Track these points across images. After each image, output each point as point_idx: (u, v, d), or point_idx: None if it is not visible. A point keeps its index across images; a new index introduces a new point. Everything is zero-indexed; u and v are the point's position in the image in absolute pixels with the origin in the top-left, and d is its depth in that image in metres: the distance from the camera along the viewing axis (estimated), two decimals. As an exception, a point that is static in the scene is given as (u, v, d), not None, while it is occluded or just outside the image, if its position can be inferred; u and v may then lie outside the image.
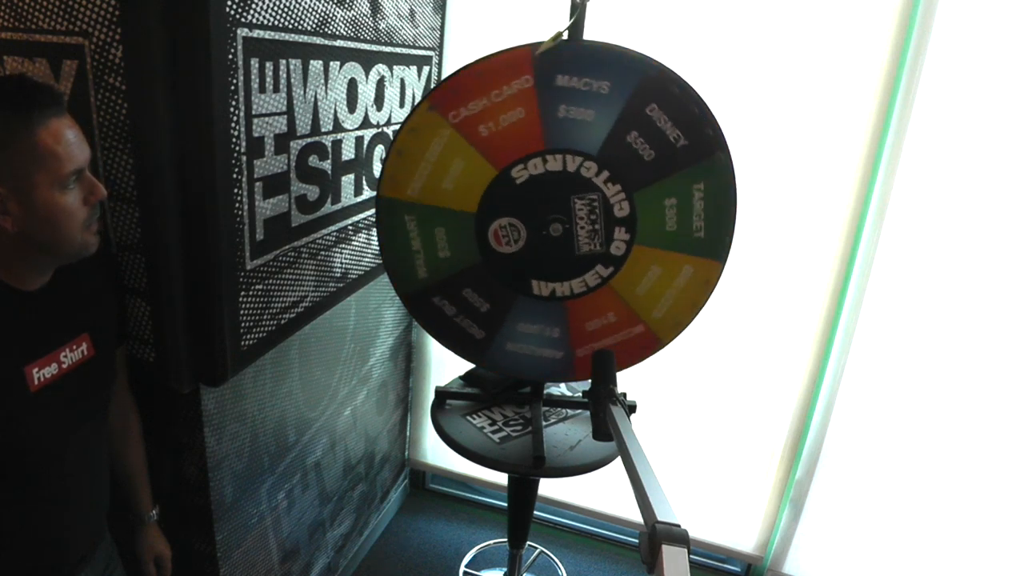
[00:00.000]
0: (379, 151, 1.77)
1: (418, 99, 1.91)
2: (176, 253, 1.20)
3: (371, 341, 2.11)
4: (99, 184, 0.97)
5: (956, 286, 1.87)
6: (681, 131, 1.37)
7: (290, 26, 1.29)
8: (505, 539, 2.14)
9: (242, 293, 1.32)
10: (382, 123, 1.75)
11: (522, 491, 1.89)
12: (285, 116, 1.33)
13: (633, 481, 0.96)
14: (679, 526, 0.80)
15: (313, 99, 1.42)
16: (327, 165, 1.53)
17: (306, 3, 1.32)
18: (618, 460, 1.22)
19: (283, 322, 1.50)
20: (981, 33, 1.67)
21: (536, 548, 2.45)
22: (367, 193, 1.75)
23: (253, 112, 1.23)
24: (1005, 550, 2.05)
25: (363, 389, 2.13)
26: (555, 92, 1.36)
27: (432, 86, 1.39)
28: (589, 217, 1.44)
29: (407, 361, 2.47)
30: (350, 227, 1.71)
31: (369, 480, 2.35)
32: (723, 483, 2.31)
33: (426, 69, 1.96)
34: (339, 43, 1.47)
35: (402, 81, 1.82)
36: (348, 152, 1.62)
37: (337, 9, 1.43)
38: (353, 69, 1.55)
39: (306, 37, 1.35)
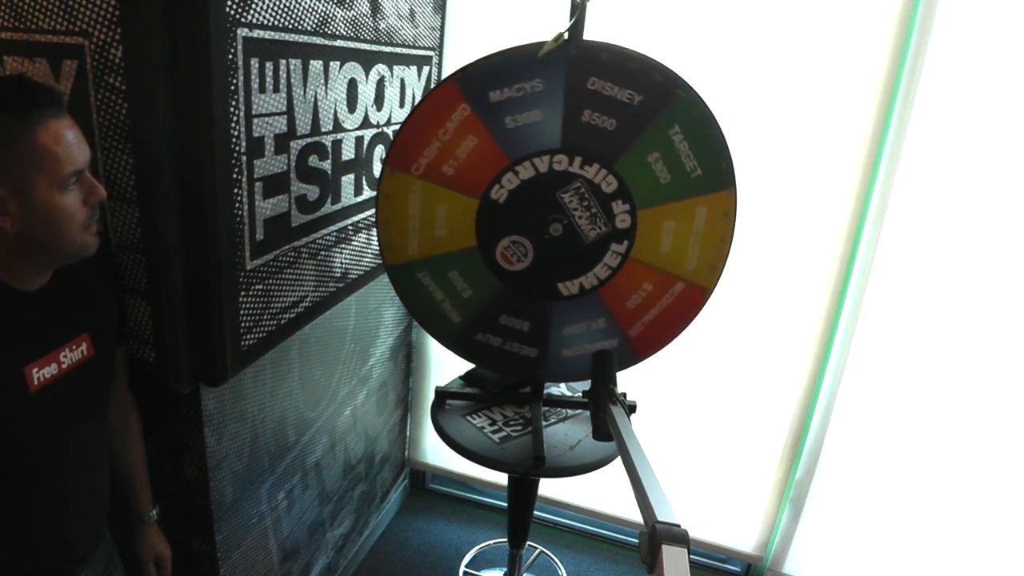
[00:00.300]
0: (379, 151, 1.77)
1: (418, 99, 1.92)
2: (176, 253, 1.20)
3: (371, 341, 2.11)
4: (99, 185, 0.97)
5: (956, 286, 1.87)
6: (631, 89, 1.36)
7: (290, 26, 1.29)
8: (505, 539, 2.14)
9: (242, 293, 1.32)
10: (382, 123, 1.75)
11: (522, 491, 1.89)
12: (285, 116, 1.33)
13: (633, 481, 0.96)
14: (679, 526, 0.81)
15: (313, 99, 1.42)
16: (327, 165, 1.53)
17: (306, 3, 1.32)
18: (618, 460, 1.22)
19: (283, 322, 1.50)
20: (981, 33, 1.67)
21: (536, 548, 2.45)
22: (367, 193, 1.75)
23: (253, 112, 1.23)
24: (1005, 550, 2.05)
25: (363, 389, 2.13)
26: (494, 108, 1.38)
27: (388, 149, 1.42)
28: (582, 204, 1.44)
29: (407, 361, 2.47)
30: (350, 227, 1.71)
31: (369, 480, 2.35)
32: (723, 483, 2.31)
33: (426, 69, 1.96)
34: (339, 43, 1.47)
35: (402, 81, 1.82)
36: (348, 152, 1.62)
37: (337, 9, 1.43)
38: (353, 69, 1.55)
39: (306, 37, 1.35)
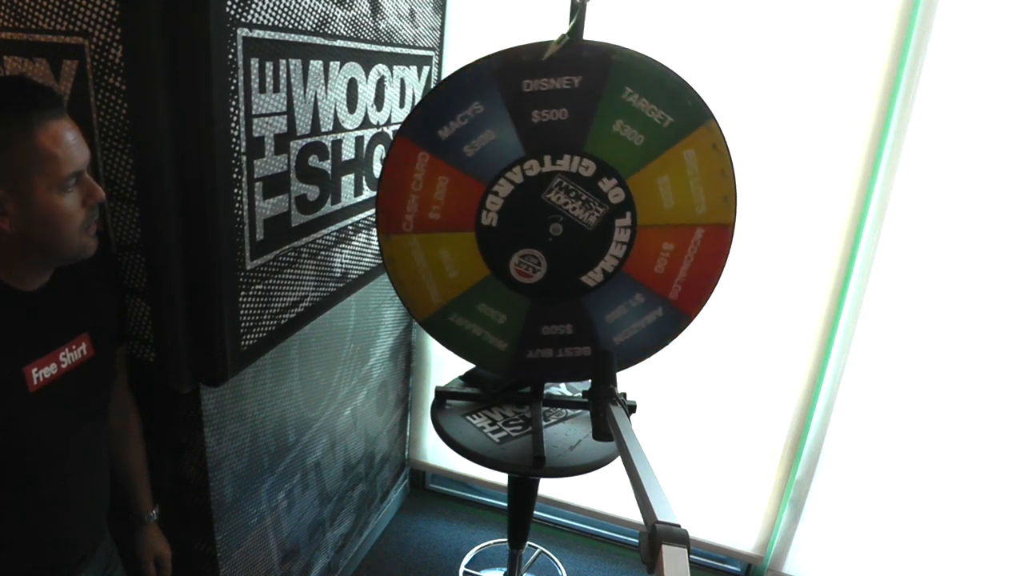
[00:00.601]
0: (379, 151, 1.77)
1: (418, 99, 1.92)
2: (176, 253, 1.20)
3: (371, 341, 2.11)
4: (98, 187, 0.97)
5: (956, 286, 1.87)
6: (567, 75, 1.36)
7: (290, 26, 1.29)
8: (505, 539, 2.15)
9: (242, 293, 1.32)
10: (382, 123, 1.75)
11: (522, 491, 1.89)
12: (285, 116, 1.33)
13: (633, 481, 0.97)
14: (679, 526, 0.81)
15: (313, 99, 1.42)
16: (327, 165, 1.53)
17: (306, 3, 1.32)
18: (618, 460, 1.22)
19: (283, 322, 1.50)
20: (981, 33, 1.67)
21: (536, 548, 2.45)
22: (367, 193, 1.75)
23: (253, 112, 1.23)
24: (1005, 550, 2.05)
25: (363, 389, 2.13)
26: (449, 144, 1.41)
27: (376, 212, 1.49)
28: (570, 196, 1.44)
29: (407, 361, 2.47)
30: (350, 227, 1.71)
31: (369, 480, 2.35)
32: (723, 483, 2.31)
33: (426, 69, 1.96)
34: (339, 43, 1.47)
35: (402, 81, 1.82)
36: (348, 152, 1.62)
37: (337, 9, 1.43)
38: (353, 69, 1.55)
39: (306, 37, 1.35)
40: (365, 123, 1.67)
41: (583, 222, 1.46)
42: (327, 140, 1.51)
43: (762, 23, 1.82)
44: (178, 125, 1.12)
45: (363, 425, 2.19)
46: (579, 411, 1.79)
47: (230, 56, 1.14)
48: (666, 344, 1.61)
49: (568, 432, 1.70)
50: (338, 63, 1.48)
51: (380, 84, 1.70)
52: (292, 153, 1.39)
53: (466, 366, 1.90)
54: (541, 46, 1.35)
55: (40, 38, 1.09)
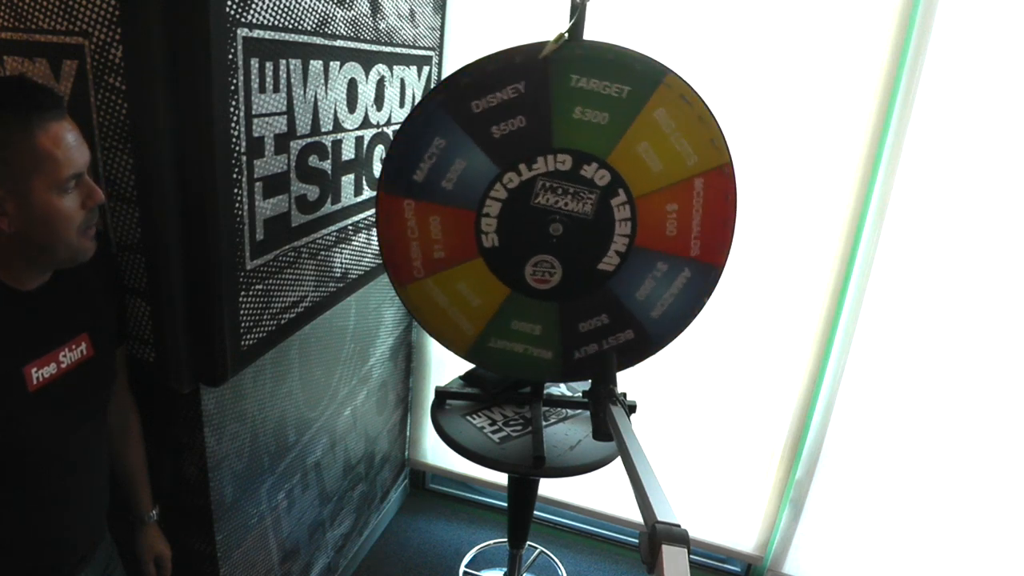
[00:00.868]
0: (379, 151, 1.77)
1: (418, 98, 1.91)
2: (176, 253, 1.20)
3: (371, 341, 2.11)
4: (97, 188, 0.96)
5: (956, 286, 1.87)
6: (509, 85, 1.38)
7: (290, 26, 1.29)
8: (505, 539, 2.15)
9: (242, 293, 1.32)
10: (382, 123, 1.75)
11: (522, 491, 1.89)
12: (285, 116, 1.33)
13: (633, 481, 0.97)
14: (679, 526, 0.81)
15: (313, 99, 1.42)
16: (327, 165, 1.53)
17: (306, 3, 1.32)
18: (618, 460, 1.22)
19: (283, 322, 1.50)
20: (981, 33, 1.67)
21: (536, 548, 2.45)
22: (367, 193, 1.75)
23: (253, 112, 1.23)
24: (1005, 549, 2.05)
25: (363, 389, 2.13)
26: (426, 185, 1.44)
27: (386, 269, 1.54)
28: (556, 194, 1.45)
29: (407, 361, 2.47)
30: (350, 227, 1.71)
31: (369, 480, 2.35)
32: (723, 483, 2.31)
33: (426, 69, 1.96)
34: (339, 43, 1.47)
35: (402, 81, 1.82)
36: (348, 152, 1.62)
37: (337, 9, 1.43)
38: (353, 69, 1.55)
39: (306, 37, 1.35)
40: (365, 123, 1.67)
41: (580, 213, 1.46)
42: (327, 140, 1.51)
43: (762, 23, 1.82)
44: (178, 125, 1.12)
45: (363, 425, 2.19)
46: (579, 411, 1.79)
47: (230, 56, 1.14)
48: (704, 303, 1.56)
49: (568, 432, 1.70)
50: (338, 63, 1.48)
51: (380, 84, 1.70)
52: (292, 153, 1.39)
53: (466, 366, 1.90)
54: (483, 61, 1.37)
55: (40, 38, 1.09)
